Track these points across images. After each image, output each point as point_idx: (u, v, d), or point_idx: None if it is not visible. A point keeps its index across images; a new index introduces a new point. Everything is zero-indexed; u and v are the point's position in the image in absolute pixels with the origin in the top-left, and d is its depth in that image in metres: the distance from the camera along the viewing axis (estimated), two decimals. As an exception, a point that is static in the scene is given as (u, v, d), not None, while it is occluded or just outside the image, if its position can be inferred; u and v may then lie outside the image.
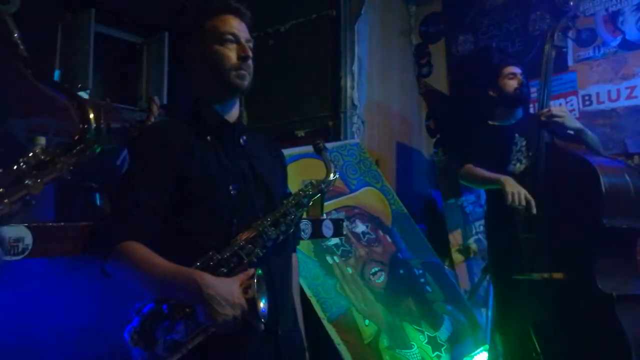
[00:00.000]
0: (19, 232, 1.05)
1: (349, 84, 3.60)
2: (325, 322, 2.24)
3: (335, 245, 2.66)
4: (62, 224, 1.16)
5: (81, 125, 0.77)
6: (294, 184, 1.51)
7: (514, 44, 3.69)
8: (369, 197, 3.12)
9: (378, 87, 3.89)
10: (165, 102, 4.09)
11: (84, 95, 3.60)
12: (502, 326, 2.36)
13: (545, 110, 2.16)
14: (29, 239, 1.06)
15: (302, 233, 1.70)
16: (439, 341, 2.62)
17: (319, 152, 1.44)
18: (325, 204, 2.27)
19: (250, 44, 1.27)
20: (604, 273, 1.89)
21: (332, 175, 1.37)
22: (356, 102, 3.62)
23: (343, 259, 2.63)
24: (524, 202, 2.01)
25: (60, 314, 1.34)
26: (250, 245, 1.13)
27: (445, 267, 3.34)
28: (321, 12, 3.74)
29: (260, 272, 1.07)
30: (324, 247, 2.59)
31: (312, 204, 1.36)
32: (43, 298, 1.33)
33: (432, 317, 2.74)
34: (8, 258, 1.02)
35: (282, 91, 3.81)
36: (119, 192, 1.15)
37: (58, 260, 1.22)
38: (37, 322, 1.31)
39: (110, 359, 1.28)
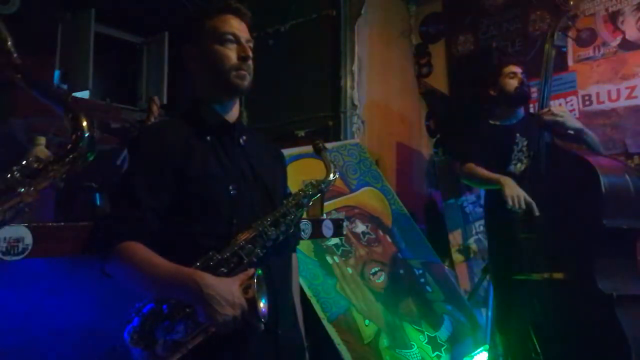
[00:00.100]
0: (19, 232, 1.05)
1: (349, 84, 3.60)
2: (325, 322, 2.24)
3: (335, 245, 2.65)
4: (62, 224, 1.16)
5: (74, 134, 0.78)
6: (294, 184, 1.51)
7: (514, 44, 3.69)
8: (369, 197, 3.12)
9: (378, 87, 3.89)
10: (165, 102, 4.09)
11: (84, 95, 3.60)
12: (502, 326, 2.36)
13: (545, 110, 2.16)
14: (29, 239, 1.06)
15: (302, 233, 1.70)
16: (439, 341, 2.62)
17: (318, 152, 1.44)
18: (325, 204, 2.28)
19: (251, 44, 1.27)
20: (604, 273, 1.89)
21: (332, 175, 1.38)
22: (356, 102, 3.62)
23: (343, 259, 2.63)
24: (523, 205, 2.01)
25: (60, 314, 1.34)
26: (250, 245, 1.13)
27: (445, 267, 3.34)
28: (321, 12, 3.74)
29: (260, 272, 1.07)
30: (324, 247, 2.59)
31: (312, 204, 1.36)
32: (43, 298, 1.33)
33: (432, 317, 2.74)
34: (8, 258, 1.02)
35: (282, 91, 3.81)
36: (118, 192, 1.15)
37: (58, 260, 1.22)
38: (37, 322, 1.31)
39: (110, 359, 1.28)
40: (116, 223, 1.10)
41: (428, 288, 2.94)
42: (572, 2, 2.18)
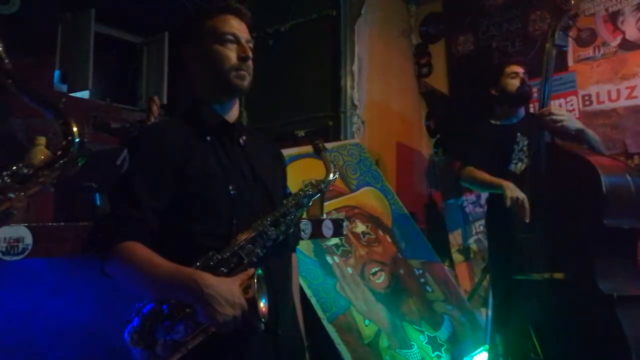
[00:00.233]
0: (19, 232, 1.05)
1: (349, 84, 3.60)
2: (325, 322, 2.24)
3: (335, 245, 2.65)
4: (62, 224, 1.16)
5: (64, 140, 0.78)
6: (294, 184, 1.51)
7: (514, 44, 3.69)
8: (369, 197, 3.12)
9: (378, 87, 3.89)
10: (165, 102, 4.09)
11: (84, 95, 3.60)
12: (502, 326, 2.35)
13: (545, 109, 2.16)
14: (29, 239, 1.06)
15: (302, 233, 1.70)
16: (439, 341, 2.62)
17: (318, 152, 1.44)
18: (325, 204, 2.27)
19: (250, 44, 1.27)
20: (605, 273, 1.88)
21: (331, 175, 1.38)
22: (356, 102, 3.62)
23: (343, 259, 2.63)
24: (527, 206, 2.01)
25: (60, 314, 1.34)
26: (250, 245, 1.13)
27: (445, 267, 3.34)
28: (321, 12, 3.74)
29: (260, 272, 1.07)
30: (324, 247, 2.59)
31: (312, 204, 1.36)
32: (43, 298, 1.33)
33: (432, 317, 2.74)
34: (8, 258, 1.02)
35: (282, 91, 3.81)
36: (118, 192, 1.15)
37: (58, 260, 1.22)
38: (37, 322, 1.31)
39: (110, 359, 1.28)
40: (116, 223, 1.10)
41: (428, 288, 2.93)
42: (572, 2, 2.17)
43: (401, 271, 2.87)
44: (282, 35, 3.90)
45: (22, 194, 0.73)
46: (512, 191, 2.06)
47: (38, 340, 1.30)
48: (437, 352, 2.55)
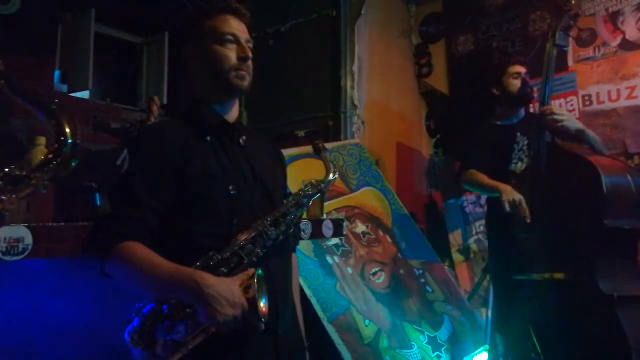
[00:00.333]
0: (19, 232, 1.04)
1: (349, 84, 3.60)
2: (325, 322, 2.24)
3: (335, 245, 2.65)
4: (62, 224, 1.16)
5: (56, 141, 0.78)
6: (294, 184, 1.51)
7: (514, 44, 3.69)
8: (369, 197, 3.12)
9: (378, 87, 3.89)
10: (165, 102, 4.09)
11: (84, 95, 3.60)
12: (502, 326, 2.36)
13: (547, 108, 2.16)
14: (29, 239, 1.06)
15: (302, 233, 1.70)
16: (439, 341, 2.62)
17: (318, 152, 1.44)
18: (325, 204, 2.27)
19: (250, 44, 1.27)
20: (605, 273, 1.88)
21: (331, 175, 1.38)
22: (356, 102, 3.62)
23: (343, 259, 2.63)
24: (525, 205, 2.01)
25: (60, 314, 1.34)
26: (250, 245, 1.13)
27: (445, 267, 3.34)
28: (321, 12, 3.74)
29: (260, 272, 1.07)
30: (324, 247, 2.59)
31: (312, 204, 1.36)
32: (43, 298, 1.33)
33: (432, 317, 2.74)
34: (8, 258, 1.02)
35: (282, 91, 3.81)
36: (118, 192, 1.15)
37: (58, 260, 1.22)
38: (37, 322, 1.31)
39: (110, 359, 1.28)
40: (116, 223, 1.10)
41: (428, 288, 2.94)
42: (573, 1, 2.17)
43: (401, 271, 2.87)
44: (282, 35, 3.91)
45: (14, 196, 0.73)
46: (508, 194, 2.06)
47: (38, 340, 1.30)
48: (437, 352, 2.55)
